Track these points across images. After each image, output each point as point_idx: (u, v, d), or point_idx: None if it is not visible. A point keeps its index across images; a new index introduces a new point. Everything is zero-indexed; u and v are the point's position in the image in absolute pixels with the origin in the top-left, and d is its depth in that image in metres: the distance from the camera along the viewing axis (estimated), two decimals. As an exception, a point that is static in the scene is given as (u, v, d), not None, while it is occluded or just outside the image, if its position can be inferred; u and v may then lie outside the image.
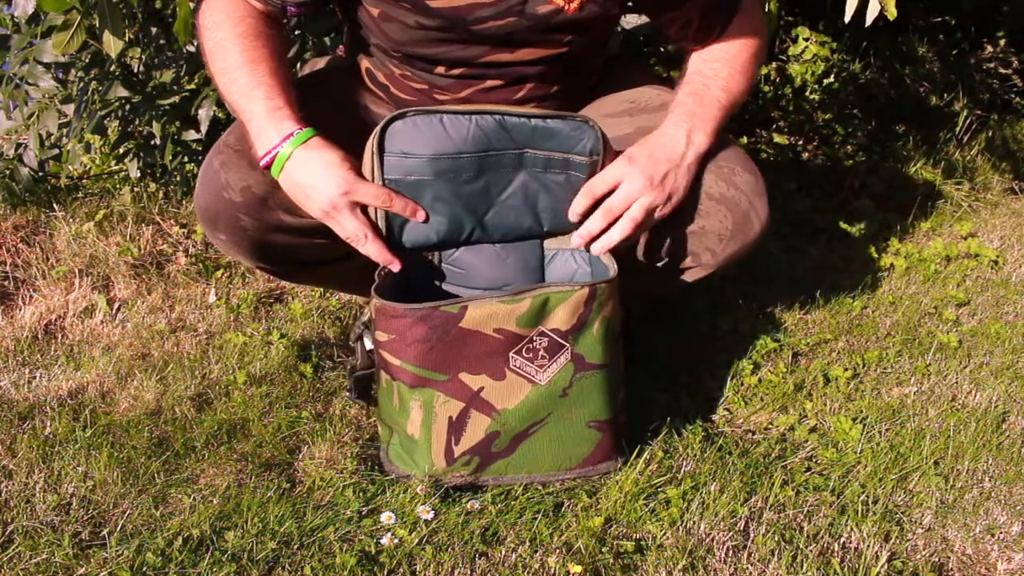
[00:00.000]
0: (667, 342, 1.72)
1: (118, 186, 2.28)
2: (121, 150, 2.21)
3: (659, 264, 1.39)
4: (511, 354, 1.23)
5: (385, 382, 1.28)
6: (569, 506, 1.29)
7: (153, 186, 2.26)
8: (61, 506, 1.27)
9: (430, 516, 1.23)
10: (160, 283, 1.91)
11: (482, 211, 1.32)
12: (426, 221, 1.29)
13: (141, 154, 2.13)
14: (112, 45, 1.61)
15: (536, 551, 1.20)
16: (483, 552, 1.20)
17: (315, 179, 1.22)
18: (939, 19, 3.12)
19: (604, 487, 1.31)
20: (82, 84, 1.95)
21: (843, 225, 2.26)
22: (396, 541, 1.20)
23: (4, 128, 2.04)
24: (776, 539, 1.24)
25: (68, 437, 1.41)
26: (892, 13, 1.39)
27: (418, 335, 1.21)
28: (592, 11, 1.31)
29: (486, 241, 1.35)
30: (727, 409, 1.54)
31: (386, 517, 1.23)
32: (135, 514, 1.26)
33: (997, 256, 2.10)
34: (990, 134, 2.83)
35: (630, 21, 2.00)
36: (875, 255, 2.10)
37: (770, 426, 1.50)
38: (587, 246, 1.32)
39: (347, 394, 1.52)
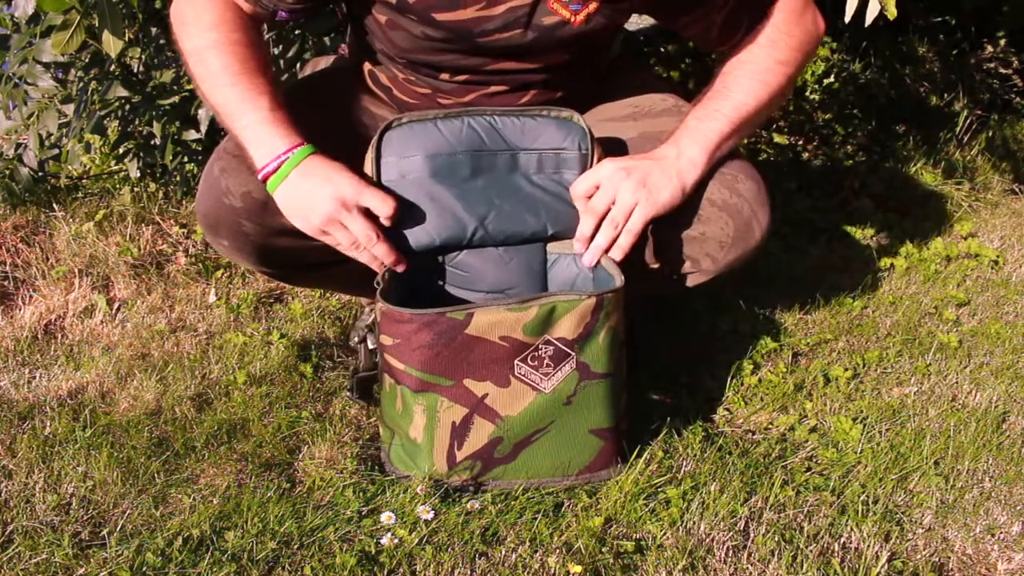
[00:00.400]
0: (667, 342, 1.73)
1: (118, 186, 2.28)
2: (121, 150, 2.21)
3: (657, 267, 1.39)
4: (516, 361, 1.23)
5: (388, 385, 1.28)
6: (569, 506, 1.29)
7: (153, 186, 2.26)
8: (61, 506, 1.27)
9: (430, 516, 1.23)
10: (160, 283, 1.90)
11: (482, 213, 1.32)
12: (406, 269, 1.29)
13: (141, 154, 2.13)
14: (112, 45, 1.61)
15: (536, 551, 1.20)
16: (483, 552, 1.20)
17: (321, 186, 1.22)
18: (939, 19, 3.12)
19: (604, 487, 1.31)
20: (82, 84, 1.95)
21: (843, 225, 2.26)
22: (396, 541, 1.20)
23: (4, 128, 2.03)
24: (776, 539, 1.23)
25: (68, 437, 1.41)
26: (892, 13, 1.39)
27: (423, 340, 1.21)
28: (599, 23, 1.31)
29: (489, 244, 1.35)
30: (727, 409, 1.54)
31: (386, 517, 1.23)
32: (135, 514, 1.25)
33: (997, 256, 2.10)
34: (990, 134, 2.83)
35: (631, 22, 2.00)
36: (875, 255, 2.10)
37: (770, 426, 1.50)
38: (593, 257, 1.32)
39: (348, 395, 1.52)
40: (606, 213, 1.29)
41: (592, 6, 1.28)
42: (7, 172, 2.12)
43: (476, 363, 1.23)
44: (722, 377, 1.59)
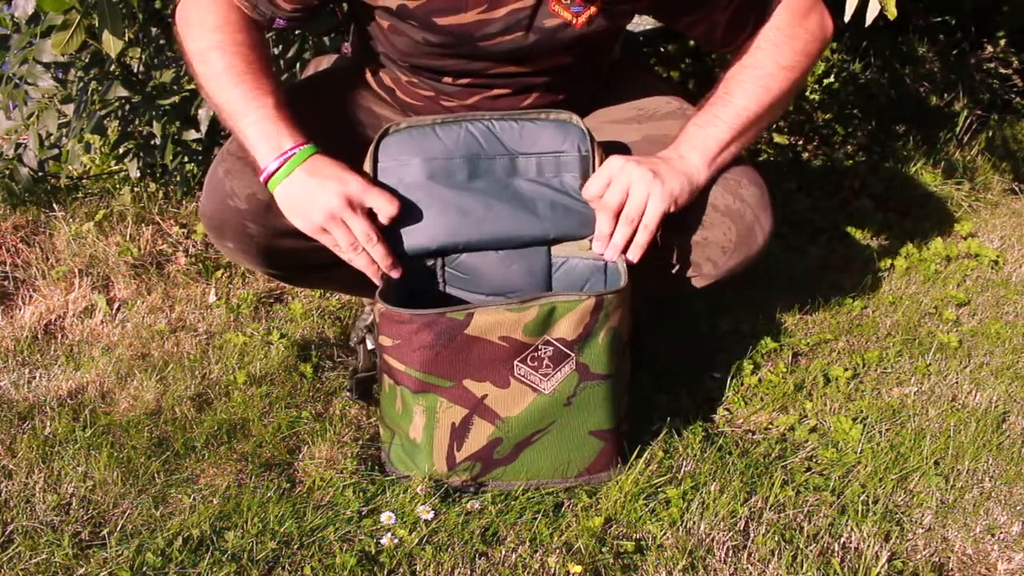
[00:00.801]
0: (667, 342, 1.72)
1: (118, 186, 2.28)
2: (121, 150, 2.21)
3: (660, 270, 1.39)
4: (516, 362, 1.23)
5: (388, 386, 1.28)
6: (569, 506, 1.29)
7: (153, 186, 2.26)
8: (61, 506, 1.27)
9: (430, 516, 1.23)
10: (160, 283, 1.91)
11: (479, 217, 1.32)
12: (403, 275, 1.29)
13: (141, 154, 2.13)
14: (112, 45, 1.61)
15: (536, 551, 1.20)
16: (483, 552, 1.20)
17: (327, 183, 1.22)
18: (939, 19, 3.12)
19: (604, 487, 1.31)
20: (82, 84, 1.95)
21: (843, 225, 2.26)
22: (396, 541, 1.20)
23: (4, 128, 2.03)
24: (776, 539, 1.24)
25: (68, 437, 1.41)
26: (892, 13, 1.39)
27: (423, 341, 1.21)
28: (600, 24, 1.30)
29: (487, 248, 1.34)
30: (727, 409, 1.54)
31: (386, 517, 1.23)
32: (135, 514, 1.26)
33: (997, 256, 2.10)
34: (990, 134, 2.83)
35: (632, 22, 2.00)
36: (875, 255, 2.10)
37: (770, 426, 1.50)
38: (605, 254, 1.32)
39: (348, 395, 1.52)
40: (621, 207, 1.28)
41: (593, 8, 1.28)
42: (7, 172, 2.12)
43: (476, 364, 1.22)
44: (722, 377, 1.59)
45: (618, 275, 1.29)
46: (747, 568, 1.20)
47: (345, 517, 1.24)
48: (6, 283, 1.90)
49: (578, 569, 1.17)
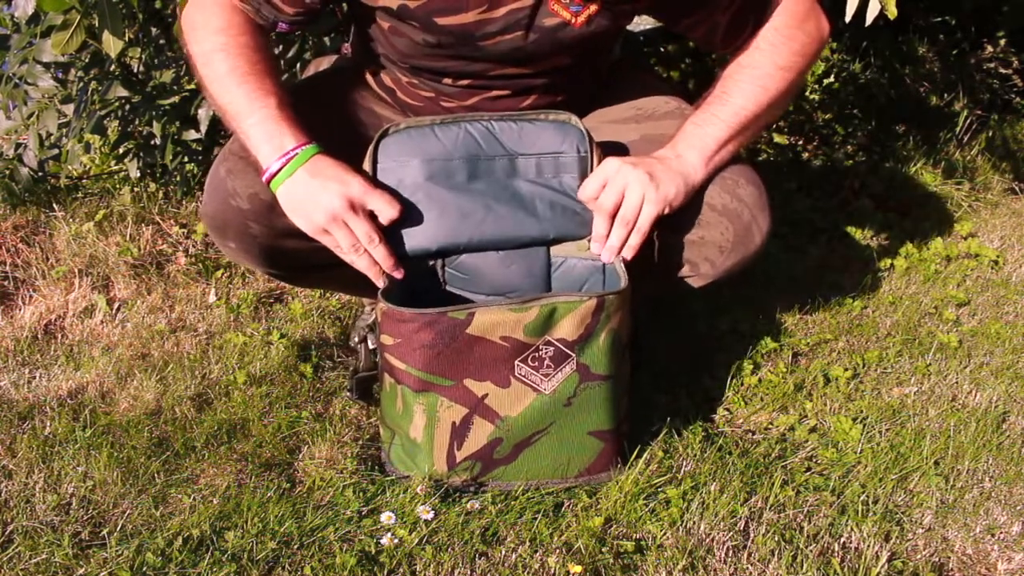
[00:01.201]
0: (667, 342, 1.73)
1: (118, 186, 2.28)
2: (121, 150, 2.21)
3: (657, 269, 1.39)
4: (516, 362, 1.23)
5: (389, 385, 1.28)
6: (569, 506, 1.29)
7: (153, 186, 2.26)
8: (61, 506, 1.27)
9: (430, 516, 1.23)
10: (160, 283, 1.91)
11: (479, 218, 1.32)
12: (404, 277, 1.29)
13: (141, 154, 2.14)
14: (112, 45, 1.61)
15: (536, 551, 1.20)
16: (483, 552, 1.20)
17: (329, 184, 1.22)
18: (939, 19, 3.12)
19: (604, 487, 1.31)
20: (82, 84, 1.95)
21: (843, 225, 2.26)
22: (396, 541, 1.20)
23: (4, 128, 2.04)
24: (776, 539, 1.24)
25: (68, 437, 1.41)
26: (892, 13, 1.39)
27: (424, 340, 1.21)
28: (600, 24, 1.30)
29: (487, 249, 1.35)
30: (727, 409, 1.54)
31: (386, 517, 1.23)
32: (135, 514, 1.26)
33: (997, 256, 2.10)
34: (990, 134, 2.83)
35: (632, 22, 2.00)
36: (875, 255, 2.10)
37: (770, 426, 1.50)
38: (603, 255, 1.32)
39: (348, 395, 1.52)
40: (616, 209, 1.29)
41: (593, 7, 1.28)
42: (7, 172, 2.12)
43: (476, 363, 1.22)
44: (722, 377, 1.59)
45: (616, 275, 1.29)
46: (747, 568, 1.20)
47: (345, 517, 1.24)
48: (6, 283, 1.90)
49: (578, 569, 1.17)
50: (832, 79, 2.92)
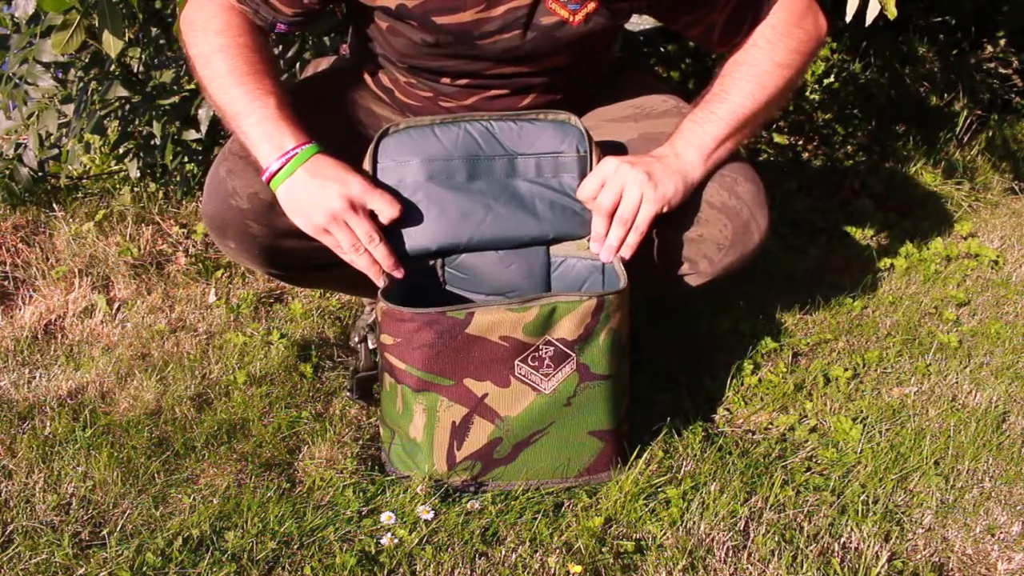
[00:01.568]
0: (667, 342, 1.73)
1: (118, 186, 2.28)
2: (121, 150, 2.21)
3: (656, 269, 1.39)
4: (516, 362, 1.23)
5: (389, 385, 1.28)
6: (569, 506, 1.29)
7: (153, 186, 2.26)
8: (61, 506, 1.27)
9: (430, 516, 1.23)
10: (160, 283, 1.91)
11: (479, 218, 1.32)
12: (404, 277, 1.29)
13: (141, 154, 2.14)
14: (112, 45, 1.61)
15: (536, 551, 1.20)
16: (483, 552, 1.20)
17: (330, 183, 1.22)
18: (939, 19, 3.12)
19: (604, 487, 1.31)
20: (82, 84, 1.95)
21: (843, 225, 2.26)
22: (396, 541, 1.20)
23: (4, 128, 2.04)
24: (776, 539, 1.24)
25: (68, 437, 1.41)
26: (892, 13, 1.39)
27: (424, 340, 1.21)
28: (598, 23, 1.31)
29: (487, 248, 1.35)
30: (727, 409, 1.54)
31: (386, 517, 1.23)
32: (135, 514, 1.26)
33: (997, 256, 2.10)
34: (990, 134, 2.84)
35: (631, 22, 2.00)
36: (875, 255, 2.10)
37: (770, 426, 1.50)
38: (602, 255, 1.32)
39: (348, 395, 1.52)
40: (615, 208, 1.29)
41: (591, 6, 1.28)
42: (7, 172, 2.12)
43: (476, 363, 1.23)
44: (722, 377, 1.59)
45: (616, 275, 1.29)
46: (747, 568, 1.20)
47: (345, 517, 1.24)
48: (6, 283, 1.90)
49: (578, 569, 1.17)
50: (832, 79, 2.92)
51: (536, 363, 1.23)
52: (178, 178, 2.19)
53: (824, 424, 1.51)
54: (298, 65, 2.00)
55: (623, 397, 1.32)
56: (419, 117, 1.34)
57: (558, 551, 1.20)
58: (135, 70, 2.03)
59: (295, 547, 1.19)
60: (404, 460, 1.30)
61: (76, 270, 1.92)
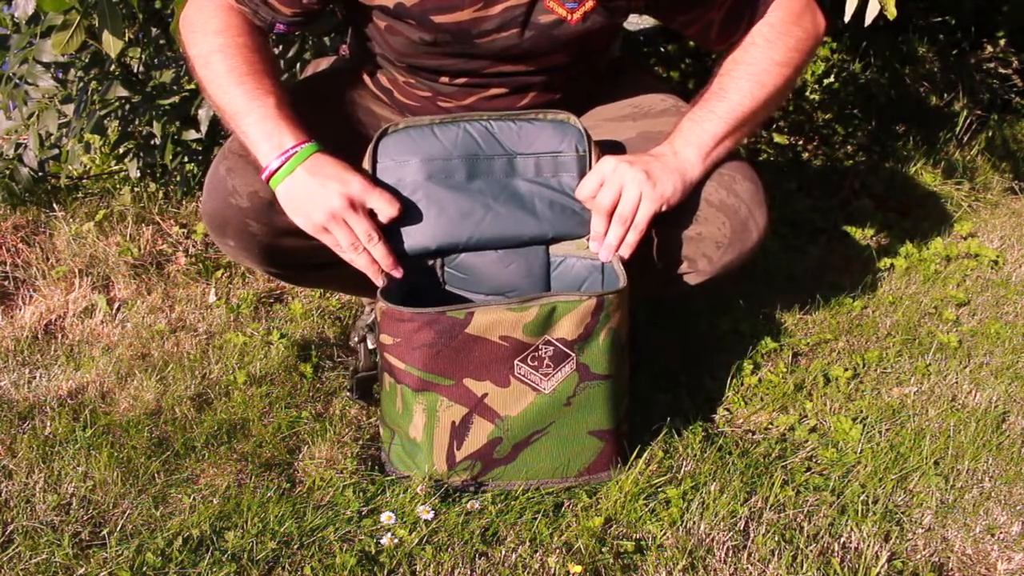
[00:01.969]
0: (667, 342, 1.73)
1: (118, 186, 2.28)
2: (121, 150, 2.21)
3: (656, 268, 1.39)
4: (516, 361, 1.23)
5: (389, 385, 1.28)
6: (569, 506, 1.29)
7: (153, 186, 2.26)
8: (61, 506, 1.27)
9: (430, 516, 1.23)
10: (160, 283, 1.91)
11: (478, 217, 1.32)
12: (404, 276, 1.29)
13: (141, 154, 2.14)
14: (112, 45, 1.61)
15: (536, 551, 1.20)
16: (483, 552, 1.20)
17: (329, 182, 1.22)
18: (939, 19, 3.12)
19: (604, 487, 1.31)
20: (82, 84, 1.95)
21: (843, 225, 2.26)
22: (396, 541, 1.20)
23: (4, 128, 2.04)
24: (776, 539, 1.24)
25: (68, 437, 1.41)
26: (892, 13, 1.39)
27: (424, 339, 1.21)
28: (596, 21, 1.31)
29: (486, 248, 1.35)
30: (727, 409, 1.54)
31: (386, 517, 1.23)
32: (135, 514, 1.26)
33: (997, 256, 2.10)
34: (990, 134, 2.84)
35: (631, 22, 2.01)
36: (875, 255, 2.10)
37: (770, 426, 1.50)
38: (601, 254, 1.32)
39: (348, 395, 1.52)
40: (614, 208, 1.29)
41: (588, 4, 1.28)
42: (7, 172, 2.12)
43: (476, 363, 1.23)
44: (722, 377, 1.59)
45: (615, 274, 1.29)
46: (747, 568, 1.20)
47: (345, 517, 1.24)
48: (6, 283, 1.90)
49: (578, 569, 1.17)
50: (832, 79, 2.92)
51: (536, 363, 1.23)
52: (178, 178, 2.19)
53: (824, 424, 1.51)
54: (298, 65, 2.00)
55: (623, 397, 1.32)
56: (418, 117, 1.34)
57: (558, 551, 1.20)
58: (135, 70, 2.03)
59: (295, 547, 1.19)
60: (404, 460, 1.30)
61: (76, 270, 1.92)
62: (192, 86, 1.99)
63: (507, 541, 1.22)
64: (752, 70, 1.34)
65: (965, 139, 2.80)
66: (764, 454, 1.42)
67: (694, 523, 1.25)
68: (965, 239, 2.20)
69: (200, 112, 1.94)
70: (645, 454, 1.36)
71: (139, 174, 2.16)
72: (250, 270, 1.94)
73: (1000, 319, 1.85)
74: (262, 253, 1.34)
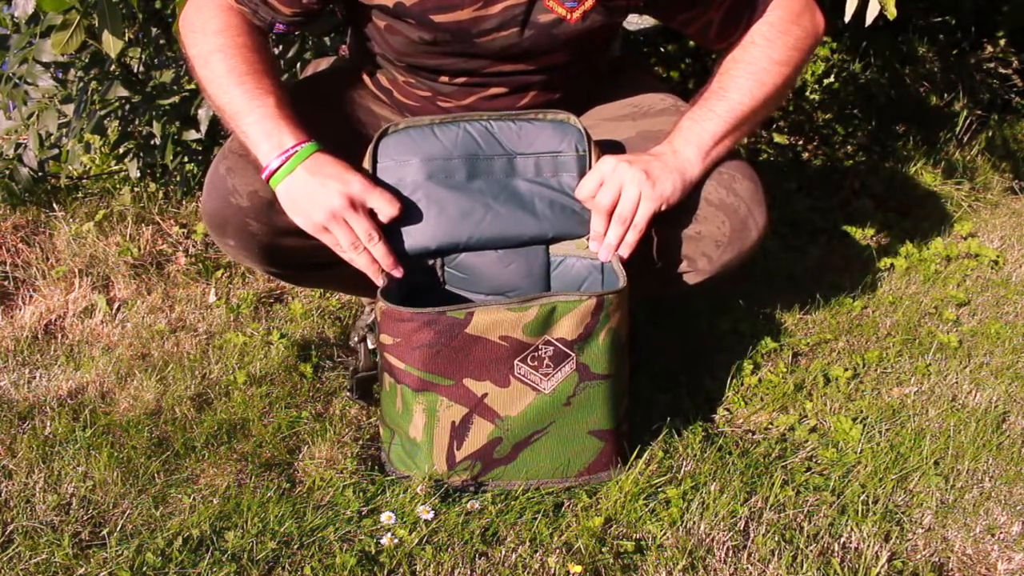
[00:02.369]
0: (667, 342, 1.73)
1: (118, 186, 2.28)
2: (121, 150, 2.21)
3: (656, 267, 1.39)
4: (516, 361, 1.23)
5: (389, 385, 1.28)
6: (569, 506, 1.29)
7: (153, 186, 2.26)
8: (61, 506, 1.27)
9: (430, 516, 1.23)
10: (160, 283, 1.91)
11: (478, 217, 1.32)
12: (403, 276, 1.29)
13: (141, 154, 2.14)
14: (112, 45, 1.61)
15: (536, 551, 1.20)
16: (483, 552, 1.20)
17: (330, 182, 1.22)
18: (939, 19, 3.12)
19: (604, 487, 1.31)
20: (82, 84, 1.95)
21: (843, 225, 2.26)
22: (396, 541, 1.20)
23: (4, 128, 2.04)
24: (776, 539, 1.24)
25: (68, 437, 1.41)
26: (892, 13, 1.39)
27: (424, 339, 1.21)
28: (596, 20, 1.31)
29: (486, 248, 1.35)
30: (727, 409, 1.54)
31: (386, 517, 1.23)
32: (135, 514, 1.26)
33: (997, 256, 2.10)
34: (990, 134, 2.84)
35: (631, 22, 2.01)
36: (875, 255, 2.10)
37: (770, 426, 1.50)
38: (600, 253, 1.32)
39: (348, 395, 1.52)
40: (613, 207, 1.29)
41: (588, 3, 1.28)
42: (7, 172, 2.12)
43: (476, 363, 1.23)
44: (722, 377, 1.59)
45: (615, 274, 1.29)
46: (747, 568, 1.20)
47: (345, 517, 1.24)
48: (6, 283, 1.90)
49: (578, 569, 1.17)
50: (832, 79, 2.92)
51: (536, 363, 1.23)
52: (178, 178, 2.19)
53: (824, 424, 1.51)
54: (298, 65, 2.00)
55: (623, 397, 1.32)
56: (418, 117, 1.34)
57: (558, 551, 1.20)
58: (135, 70, 2.04)
59: (295, 547, 1.19)
60: (404, 460, 1.30)
61: (76, 270, 1.92)
62: (192, 86, 1.99)
63: (507, 541, 1.22)
64: (751, 69, 1.34)
65: (965, 139, 2.80)
66: (764, 454, 1.42)
67: (694, 523, 1.25)
68: (965, 239, 2.20)
69: (200, 112, 1.94)
70: (645, 454, 1.36)
71: (139, 174, 2.16)
72: (250, 270, 1.94)
73: (1000, 319, 1.85)
74: (262, 252, 1.34)
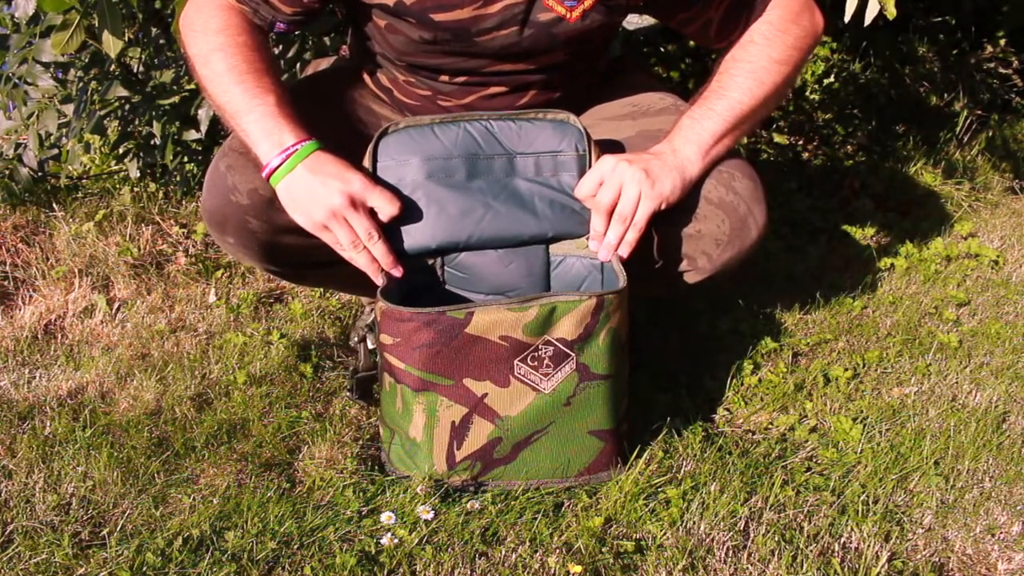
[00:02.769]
0: (667, 342, 1.72)
1: (118, 186, 2.28)
2: (121, 150, 2.21)
3: (657, 267, 1.39)
4: (516, 361, 1.23)
5: (389, 385, 1.28)
6: (569, 506, 1.29)
7: (153, 186, 2.26)
8: (61, 506, 1.27)
9: (430, 516, 1.23)
10: (160, 283, 1.91)
11: (478, 217, 1.32)
12: (403, 276, 1.30)
13: (141, 154, 2.14)
14: (111, 45, 1.61)
15: (536, 551, 1.20)
16: (483, 552, 1.20)
17: (330, 180, 1.22)
18: (939, 19, 3.12)
19: (604, 487, 1.31)
20: (82, 84, 1.95)
21: (843, 225, 2.26)
22: (396, 541, 1.20)
23: (4, 128, 2.04)
24: (776, 539, 1.24)
25: (68, 437, 1.41)
26: (892, 13, 1.39)
27: (424, 339, 1.21)
28: (595, 19, 1.31)
29: (486, 247, 1.35)
30: (727, 409, 1.54)
31: (386, 517, 1.23)
32: (135, 514, 1.26)
33: (997, 256, 2.10)
34: (990, 134, 2.84)
35: (631, 22, 2.01)
36: (875, 255, 2.10)
37: (770, 426, 1.50)
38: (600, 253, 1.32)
39: (348, 395, 1.52)
40: (613, 206, 1.29)
41: (588, 2, 1.28)
42: (7, 172, 2.12)
43: (476, 362, 1.23)
44: (722, 377, 1.59)
45: (615, 274, 1.29)
46: (747, 568, 1.20)
47: (345, 517, 1.24)
48: (6, 283, 1.90)
49: (578, 569, 1.17)
50: (832, 79, 2.92)
51: (536, 363, 1.23)
52: (178, 178, 2.19)
53: (824, 424, 1.51)
54: (298, 65, 2.00)
55: (623, 397, 1.32)
56: (419, 116, 1.34)
57: (558, 551, 1.20)
58: (135, 70, 2.04)
59: (295, 547, 1.19)
60: (404, 460, 1.30)
61: (76, 270, 1.92)
62: (192, 86, 1.99)
63: (507, 541, 1.22)
64: (751, 68, 1.34)
65: (965, 139, 2.80)
66: (764, 454, 1.42)
67: (694, 523, 1.25)
68: (965, 239, 2.20)
69: (200, 112, 1.94)
70: (645, 454, 1.36)
71: (139, 174, 2.16)
72: (250, 270, 1.94)
73: (1000, 319, 1.85)
74: (262, 251, 1.34)
